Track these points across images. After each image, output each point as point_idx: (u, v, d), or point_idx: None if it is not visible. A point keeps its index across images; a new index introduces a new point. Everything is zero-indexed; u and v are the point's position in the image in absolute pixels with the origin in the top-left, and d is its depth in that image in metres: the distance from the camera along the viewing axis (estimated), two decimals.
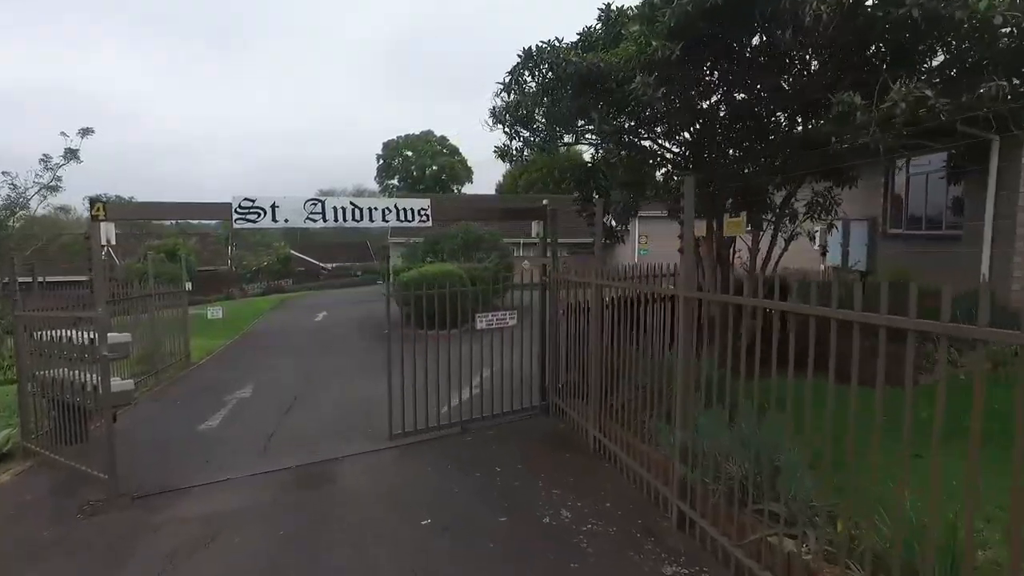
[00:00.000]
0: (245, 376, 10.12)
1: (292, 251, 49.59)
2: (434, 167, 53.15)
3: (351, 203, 5.70)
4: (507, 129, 6.77)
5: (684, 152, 6.96)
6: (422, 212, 6.02)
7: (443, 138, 55.40)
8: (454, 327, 14.40)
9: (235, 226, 5.18)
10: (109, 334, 4.87)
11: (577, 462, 5.40)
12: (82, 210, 33.84)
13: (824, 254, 10.43)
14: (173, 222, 49.42)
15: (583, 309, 6.06)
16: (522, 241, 28.71)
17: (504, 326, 6.53)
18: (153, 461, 5.88)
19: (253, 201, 5.26)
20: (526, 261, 26.52)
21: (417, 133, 55.04)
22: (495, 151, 7.12)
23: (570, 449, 5.75)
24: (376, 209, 5.79)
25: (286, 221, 5.41)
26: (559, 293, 6.74)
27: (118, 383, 5.00)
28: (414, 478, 5.23)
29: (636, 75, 5.06)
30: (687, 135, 7.19)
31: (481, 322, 6.37)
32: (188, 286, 12.57)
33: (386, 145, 54.56)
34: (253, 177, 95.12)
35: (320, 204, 5.53)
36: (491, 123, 8.10)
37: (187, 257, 29.34)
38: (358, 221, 5.71)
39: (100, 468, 4.89)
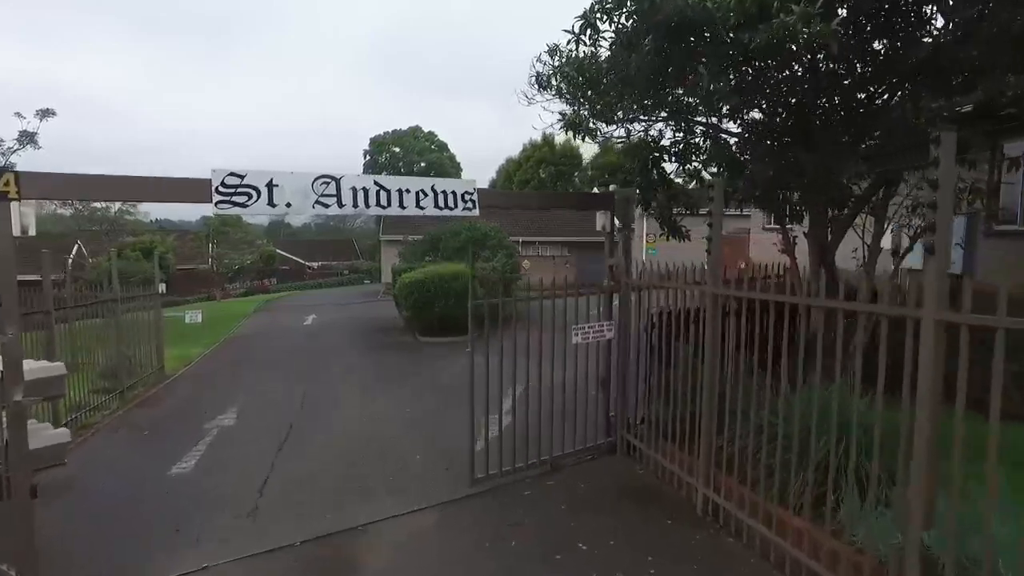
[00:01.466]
0: (228, 395, 8.56)
1: (276, 249, 47.63)
2: (422, 163, 51.48)
3: (375, 183, 4.22)
4: (579, 95, 5.25)
5: (788, 128, 5.53)
6: (467, 197, 4.55)
7: (431, 134, 53.87)
8: (463, 334, 12.81)
9: (217, 210, 3.67)
10: (30, 366, 3.34)
11: (686, 533, 3.97)
12: (51, 204, 31.69)
13: (898, 255, 9.10)
14: (154, 219, 47.20)
15: (680, 321, 4.66)
16: (521, 240, 27.36)
17: (602, 339, 5.15)
18: (103, 530, 4.35)
19: (242, 177, 3.75)
20: (526, 260, 25.27)
21: (405, 129, 53.44)
22: (560, 119, 5.60)
23: (667, 510, 4.32)
24: (408, 192, 4.31)
25: (288, 206, 3.91)
26: (633, 299, 5.33)
27: (46, 433, 3.48)
28: (471, 569, 3.74)
29: (776, 9, 3.64)
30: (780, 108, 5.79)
31: (577, 335, 4.97)
32: (161, 288, 10.91)
33: (373, 141, 52.77)
34: None
35: (334, 183, 4.04)
36: (532, 94, 6.66)
37: (163, 255, 27.46)
38: (384, 207, 4.22)
39: (15, 564, 3.35)
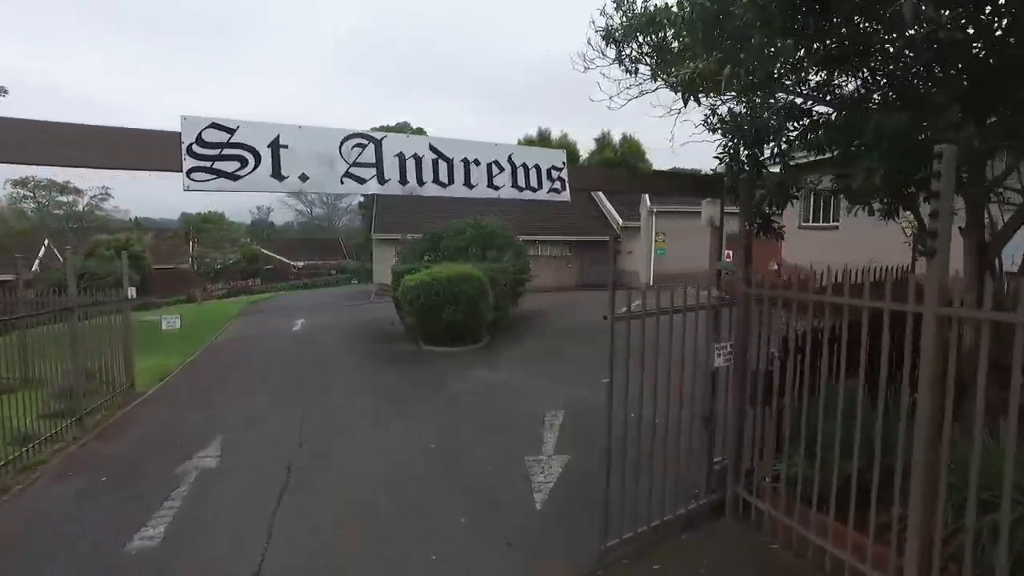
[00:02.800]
0: (210, 421, 7.13)
1: (260, 248, 45.78)
2: None
3: (431, 147, 2.85)
4: (705, 40, 3.84)
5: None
6: (553, 175, 3.20)
7: (420, 130, 52.32)
8: (473, 343, 11.27)
9: (190, 182, 2.27)
10: None
11: None
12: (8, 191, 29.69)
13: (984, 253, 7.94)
14: (133, 217, 44.80)
15: (842, 344, 3.34)
16: (521, 239, 25.98)
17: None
18: None
19: (231, 132, 2.37)
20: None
21: (393, 125, 51.89)
22: (679, 77, 4.16)
23: None
24: (477, 163, 2.94)
25: (303, 179, 2.53)
26: (757, 315, 4.02)
27: None
28: None
29: None
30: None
31: (719, 357, 3.71)
32: (131, 292, 9.39)
33: None
34: None
35: (373, 147, 2.66)
36: (593, 56, 5.35)
37: (138, 254, 25.62)
38: (444, 184, 2.85)
39: None
